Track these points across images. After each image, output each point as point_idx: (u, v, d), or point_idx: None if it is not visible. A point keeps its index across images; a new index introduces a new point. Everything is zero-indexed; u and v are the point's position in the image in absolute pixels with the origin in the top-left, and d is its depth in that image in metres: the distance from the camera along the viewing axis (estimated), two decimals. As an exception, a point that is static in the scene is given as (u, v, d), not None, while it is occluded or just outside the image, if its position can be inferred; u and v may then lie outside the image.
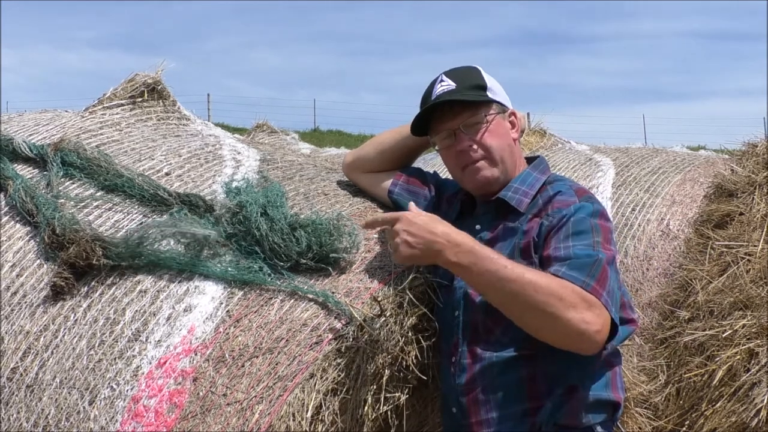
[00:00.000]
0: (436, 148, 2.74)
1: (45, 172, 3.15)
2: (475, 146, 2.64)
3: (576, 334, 2.32)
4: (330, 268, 2.71)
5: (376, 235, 2.83)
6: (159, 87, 3.77)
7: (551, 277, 2.36)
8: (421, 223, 2.41)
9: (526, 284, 2.32)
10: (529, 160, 2.78)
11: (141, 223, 2.89)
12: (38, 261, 2.86)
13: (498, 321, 2.52)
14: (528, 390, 2.48)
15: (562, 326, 2.32)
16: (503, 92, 2.73)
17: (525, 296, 2.32)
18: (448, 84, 2.66)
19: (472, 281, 2.41)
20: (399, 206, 2.96)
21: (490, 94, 2.67)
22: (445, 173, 2.98)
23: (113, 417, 2.49)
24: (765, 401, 3.72)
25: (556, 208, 2.54)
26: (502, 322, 2.51)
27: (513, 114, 2.73)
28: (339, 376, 2.48)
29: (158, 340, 2.60)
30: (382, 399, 2.53)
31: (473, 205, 2.75)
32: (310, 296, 2.63)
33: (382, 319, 2.54)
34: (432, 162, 5.81)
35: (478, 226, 2.66)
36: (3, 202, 3.07)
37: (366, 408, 2.49)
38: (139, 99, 3.71)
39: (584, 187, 2.68)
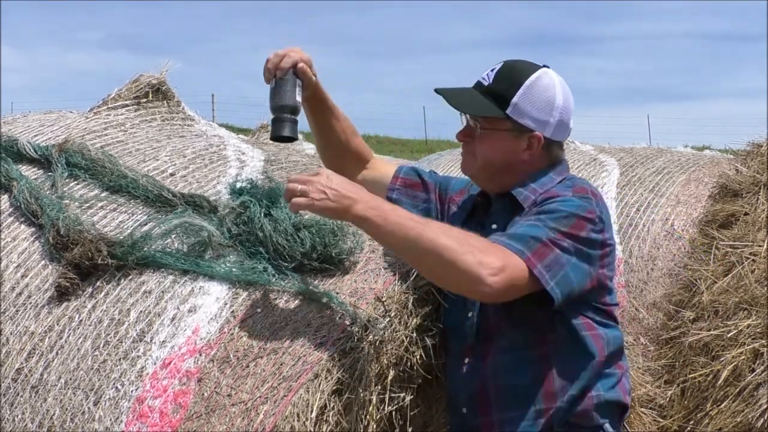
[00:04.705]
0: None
1: (49, 173, 3.15)
2: (469, 139, 2.69)
3: (470, 275, 2.36)
4: (334, 269, 2.70)
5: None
6: (163, 87, 3.77)
7: (463, 231, 2.43)
8: (338, 179, 2.47)
9: (428, 230, 2.40)
10: None
11: (144, 224, 2.89)
12: (43, 262, 2.86)
13: (511, 321, 2.52)
14: (542, 390, 2.49)
15: (457, 268, 2.37)
16: (540, 113, 2.63)
17: (425, 240, 2.38)
18: (486, 77, 2.68)
19: (378, 234, 2.46)
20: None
21: (510, 111, 2.61)
22: (447, 173, 2.97)
23: (118, 417, 2.49)
24: (770, 401, 3.72)
25: (543, 198, 2.56)
26: (514, 321, 2.52)
27: (536, 137, 2.63)
28: (343, 376, 2.48)
29: (163, 341, 2.61)
30: (387, 399, 2.52)
31: (488, 204, 2.74)
32: (315, 296, 2.63)
33: (387, 319, 2.53)
34: (436, 162, 5.81)
35: (494, 225, 2.65)
36: (8, 203, 3.08)
37: (370, 408, 2.49)
38: (144, 99, 3.71)
39: (588, 187, 2.64)
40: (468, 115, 2.70)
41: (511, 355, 2.52)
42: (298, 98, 2.75)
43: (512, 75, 2.66)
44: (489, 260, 2.37)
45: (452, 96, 2.70)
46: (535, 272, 2.42)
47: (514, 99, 2.62)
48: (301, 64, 2.77)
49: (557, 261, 2.46)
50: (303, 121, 2.88)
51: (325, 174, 2.48)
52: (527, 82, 2.63)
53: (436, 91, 2.72)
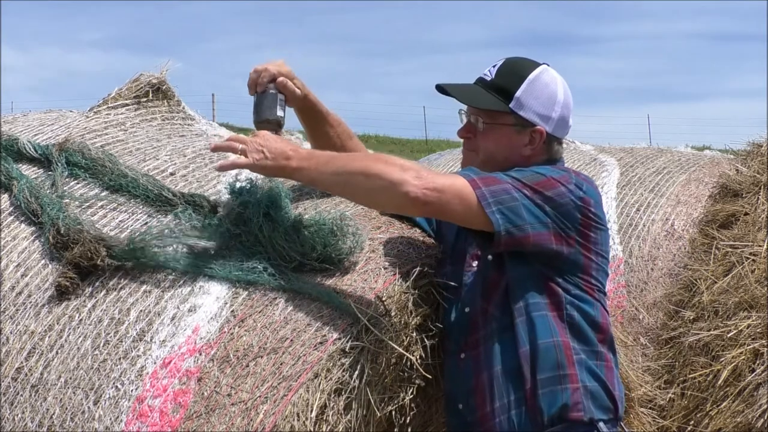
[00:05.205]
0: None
1: (50, 172, 3.15)
2: (470, 135, 2.72)
3: (394, 180, 2.43)
4: (334, 269, 2.70)
5: (381, 236, 2.83)
6: (164, 87, 3.76)
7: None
8: (274, 138, 2.61)
9: (357, 158, 2.60)
10: None
11: (145, 223, 2.90)
12: (43, 261, 2.86)
13: (496, 301, 2.55)
14: (523, 372, 2.50)
15: (382, 178, 2.44)
16: (542, 108, 2.66)
17: (353, 166, 2.51)
18: (489, 72, 2.70)
19: (313, 179, 2.59)
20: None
21: (513, 105, 2.65)
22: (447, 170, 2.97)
23: (118, 417, 2.49)
24: (770, 401, 3.72)
25: None
26: (498, 301, 2.55)
27: (538, 132, 2.66)
28: (343, 376, 2.48)
29: (163, 340, 2.61)
30: (387, 399, 2.53)
31: None
32: (315, 296, 2.63)
33: (387, 319, 2.54)
34: (436, 162, 5.81)
35: None
36: (8, 203, 3.07)
37: (370, 408, 2.49)
38: (144, 99, 3.71)
39: (572, 169, 2.67)
40: (469, 112, 2.72)
41: (500, 339, 2.54)
42: (280, 112, 2.79)
43: (514, 70, 2.68)
44: (417, 169, 2.46)
45: (456, 90, 2.72)
46: (477, 193, 2.42)
47: (518, 93, 2.64)
48: (280, 78, 2.80)
49: (507, 192, 2.46)
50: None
51: (261, 134, 2.61)
52: (530, 77, 2.65)
53: (438, 87, 2.73)
